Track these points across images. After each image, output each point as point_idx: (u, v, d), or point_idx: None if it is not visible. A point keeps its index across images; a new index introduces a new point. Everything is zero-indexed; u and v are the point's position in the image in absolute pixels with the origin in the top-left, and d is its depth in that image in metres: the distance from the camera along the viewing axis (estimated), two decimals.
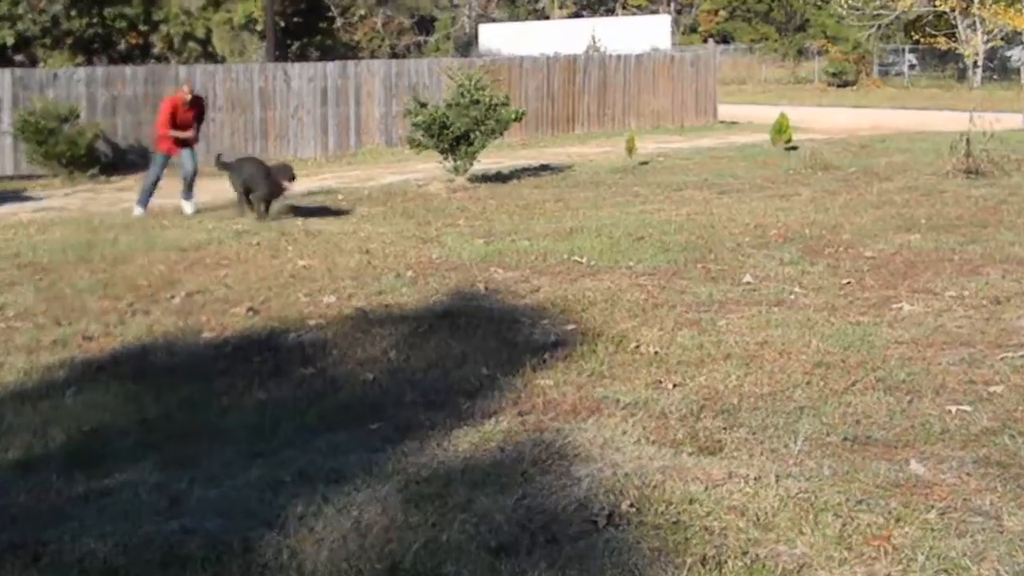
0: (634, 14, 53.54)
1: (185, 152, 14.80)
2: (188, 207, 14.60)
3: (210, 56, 31.01)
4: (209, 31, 31.34)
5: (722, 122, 29.38)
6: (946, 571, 3.93)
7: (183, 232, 12.42)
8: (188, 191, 14.68)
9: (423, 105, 17.03)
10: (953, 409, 5.61)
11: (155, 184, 14.71)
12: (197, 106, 15.25)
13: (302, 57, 31.85)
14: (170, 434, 5.63)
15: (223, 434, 5.61)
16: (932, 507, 4.41)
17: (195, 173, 14.75)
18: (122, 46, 31.24)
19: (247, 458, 5.20)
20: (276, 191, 13.68)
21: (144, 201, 14.66)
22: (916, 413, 5.59)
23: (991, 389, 5.94)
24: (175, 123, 14.67)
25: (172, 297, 8.86)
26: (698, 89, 29.73)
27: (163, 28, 31.05)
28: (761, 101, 39.78)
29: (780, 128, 21.05)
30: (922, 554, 4.02)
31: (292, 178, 13.69)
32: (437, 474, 4.85)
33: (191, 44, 31.28)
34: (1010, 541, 4.13)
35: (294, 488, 4.73)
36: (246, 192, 13.82)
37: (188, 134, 14.79)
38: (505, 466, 4.91)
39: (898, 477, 4.76)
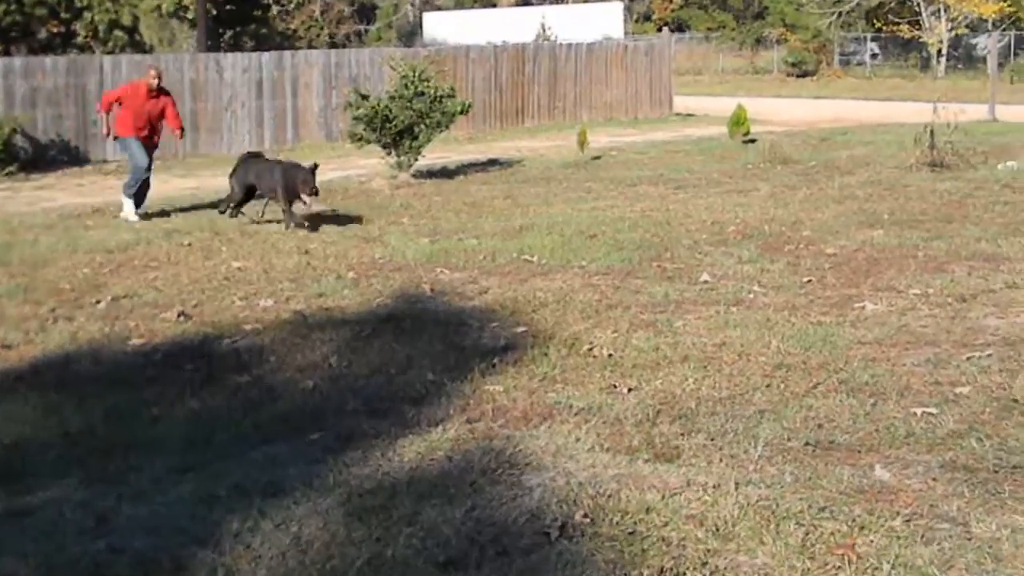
0: (586, 2, 53.67)
1: (139, 148, 13.53)
2: (129, 208, 13.54)
3: (137, 46, 30.73)
4: (136, 19, 31.05)
5: (678, 114, 29.51)
6: None
7: (109, 232, 12.31)
8: (133, 191, 13.58)
9: (364, 97, 16.97)
10: (918, 412, 5.67)
11: (148, 170, 13.59)
12: (166, 98, 13.79)
13: (235, 47, 31.63)
14: (96, 448, 5.57)
15: (153, 447, 5.56)
16: (897, 514, 4.46)
17: (148, 170, 13.60)
18: (42, 35, 30.87)
19: (178, 472, 5.16)
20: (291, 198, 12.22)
21: (134, 200, 13.58)
22: (880, 416, 5.65)
23: (957, 390, 6.01)
24: (133, 115, 13.43)
25: (97, 302, 8.76)
26: (652, 80, 29.85)
27: (87, 16, 30.72)
28: (718, 92, 40.02)
29: (738, 120, 21.20)
30: (887, 563, 4.06)
31: (313, 190, 12.05)
32: (381, 486, 4.84)
33: (117, 33, 30.96)
34: (978, 548, 4.18)
35: (229, 503, 4.70)
36: (246, 195, 12.67)
37: (143, 132, 13.48)
38: (453, 476, 4.91)
39: (862, 483, 4.80)
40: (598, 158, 18.96)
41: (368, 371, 6.65)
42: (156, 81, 13.63)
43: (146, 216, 13.56)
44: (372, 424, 5.66)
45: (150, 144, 13.80)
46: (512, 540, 4.28)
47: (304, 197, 12.02)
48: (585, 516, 4.46)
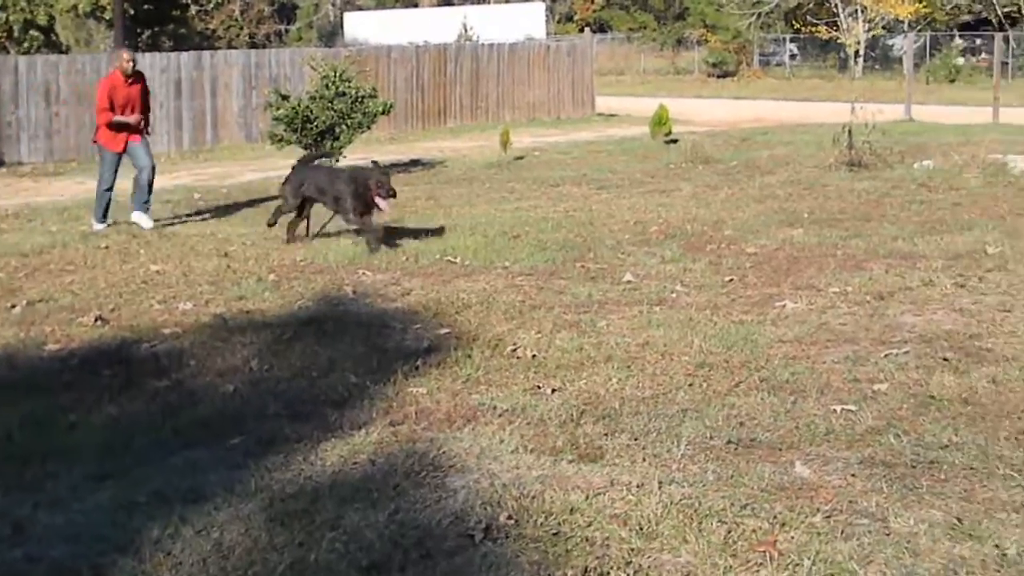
0: (508, 2, 53.77)
1: (137, 146, 12.61)
2: (144, 219, 12.57)
3: (53, 46, 30.29)
4: (52, 19, 30.61)
5: (600, 114, 29.68)
6: (832, 575, 4.03)
7: (24, 235, 12.10)
8: (144, 197, 12.66)
9: (285, 98, 16.87)
10: (838, 409, 5.75)
11: (109, 189, 12.61)
12: (141, 81, 12.89)
13: (153, 47, 31.28)
14: (11, 455, 5.46)
15: (70, 454, 5.47)
16: (818, 510, 4.52)
17: (153, 171, 12.69)
18: None
19: (97, 479, 5.08)
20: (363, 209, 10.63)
21: (100, 214, 12.65)
22: (800, 414, 5.72)
23: (875, 387, 6.11)
24: (115, 105, 12.53)
25: (12, 307, 8.61)
26: (575, 80, 29.99)
27: (1, 16, 30.18)
28: (640, 92, 40.29)
29: (660, 120, 21.36)
30: (808, 559, 4.11)
31: (390, 192, 10.55)
32: (304, 490, 4.81)
33: (32, 33, 30.50)
34: (897, 543, 4.24)
35: (149, 510, 4.64)
36: (300, 209, 11.21)
37: (135, 117, 12.54)
38: (376, 480, 4.89)
39: (783, 480, 4.86)
40: (521, 158, 19.00)
41: (290, 374, 6.61)
42: (131, 65, 12.62)
43: (161, 222, 12.73)
44: (294, 428, 5.61)
45: (140, 134, 12.72)
46: (436, 543, 4.27)
47: (380, 203, 10.52)
48: (509, 518, 4.46)
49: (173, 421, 5.87)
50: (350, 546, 4.25)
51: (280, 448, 5.33)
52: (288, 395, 6.21)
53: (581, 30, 47.48)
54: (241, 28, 48.00)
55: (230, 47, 36.66)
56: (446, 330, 7.44)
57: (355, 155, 18.36)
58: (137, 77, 12.76)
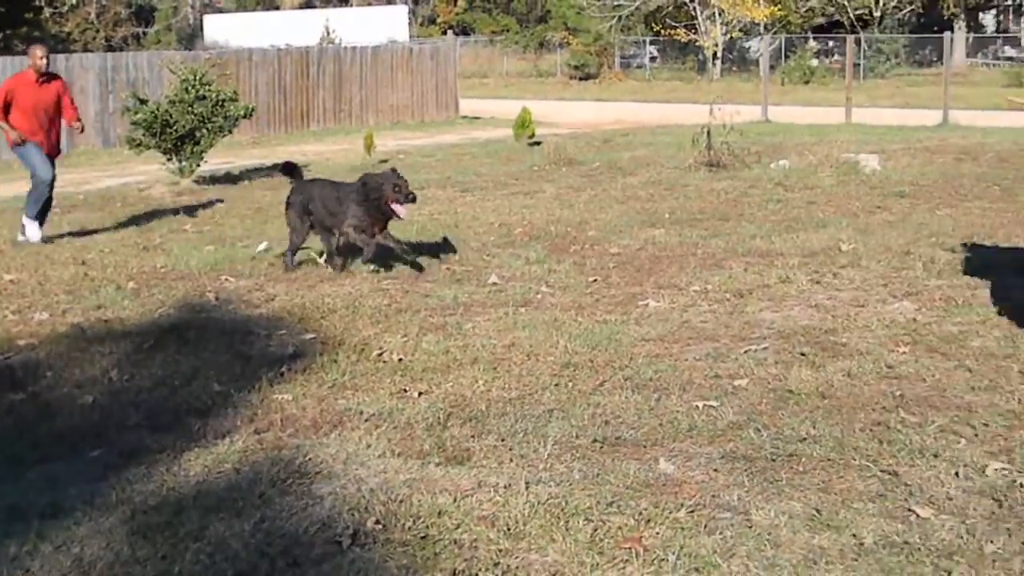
0: (370, 4, 53.52)
1: (36, 154, 11.60)
2: (33, 230, 11.66)
3: None
4: None
5: (464, 117, 29.72)
6: (697, 570, 4.10)
7: None
8: (36, 210, 11.67)
9: (143, 102, 16.55)
10: (700, 405, 5.86)
11: (45, 192, 11.59)
12: (56, 83, 11.86)
13: (5, 50, 30.35)
14: None
15: None
16: (682, 505, 4.59)
17: (51, 185, 11.62)
18: None
19: None
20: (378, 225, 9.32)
21: (32, 216, 11.66)
22: (664, 411, 5.81)
23: (736, 383, 6.23)
24: (25, 114, 11.53)
25: None
26: (438, 83, 29.99)
27: None
28: (503, 95, 40.46)
29: (523, 123, 21.47)
30: (673, 554, 4.17)
31: (409, 196, 9.27)
32: (167, 502, 4.72)
33: None
34: (758, 535, 4.34)
35: (5, 526, 4.51)
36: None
37: (39, 136, 11.50)
38: (241, 489, 4.83)
39: (648, 476, 4.93)
40: (385, 161, 18.91)
41: (151, 384, 6.48)
42: (45, 62, 11.63)
43: (49, 240, 11.69)
44: (156, 439, 5.51)
45: (51, 147, 11.79)
46: (303, 550, 4.24)
47: (399, 210, 9.20)
48: (377, 523, 4.45)
49: (30, 435, 5.71)
50: (215, 557, 4.19)
51: (142, 460, 5.23)
52: (149, 405, 6.09)
53: (444, 33, 47.55)
54: (97, 31, 46.95)
55: (86, 50, 35.82)
56: (311, 335, 7.37)
57: (216, 159, 18.13)
58: (51, 77, 11.85)
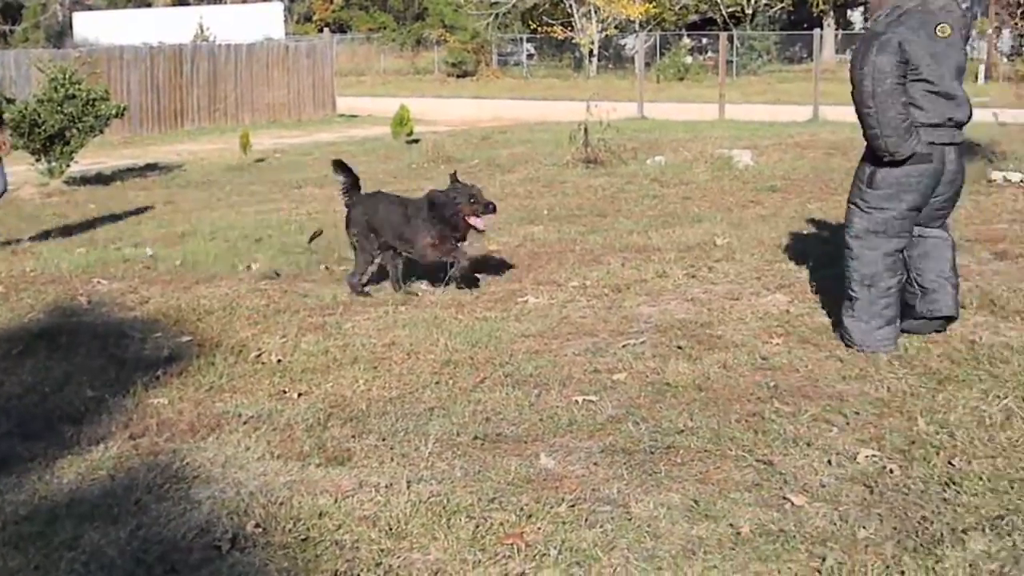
0: (245, 2, 52.83)
1: None
2: None
3: None
4: None
5: (342, 115, 29.54)
6: (578, 563, 4.13)
7: None
8: None
9: (10, 101, 16.12)
10: (579, 399, 5.90)
11: None
12: None
13: None
14: None
15: None
16: (562, 500, 4.62)
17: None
18: None
19: None
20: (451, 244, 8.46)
21: None
22: (544, 406, 5.84)
23: (615, 377, 6.29)
24: None
25: None
26: (315, 81, 29.77)
27: None
28: (381, 93, 40.29)
29: (401, 120, 21.41)
30: (554, 548, 4.20)
31: (488, 207, 8.47)
32: (39, 511, 4.61)
33: None
34: (638, 528, 4.39)
35: None
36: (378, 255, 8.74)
37: None
38: (117, 495, 4.73)
39: (529, 472, 4.95)
40: (262, 160, 18.72)
41: (21, 391, 6.31)
42: None
43: None
44: (26, 447, 5.37)
45: None
46: (181, 556, 4.17)
47: (477, 222, 8.37)
48: (257, 526, 4.40)
49: None
50: (90, 566, 4.10)
51: (12, 468, 5.09)
52: (20, 412, 5.93)
53: (320, 30, 47.14)
54: None
55: None
56: (187, 338, 7.26)
57: (87, 160, 17.74)
58: None
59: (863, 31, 54.73)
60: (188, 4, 56.27)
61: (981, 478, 4.73)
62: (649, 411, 5.72)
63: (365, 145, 21.10)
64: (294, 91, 29.16)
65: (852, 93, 6.58)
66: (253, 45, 29.79)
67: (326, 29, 41.51)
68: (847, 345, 6.74)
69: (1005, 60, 39.85)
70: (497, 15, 51.26)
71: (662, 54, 48.74)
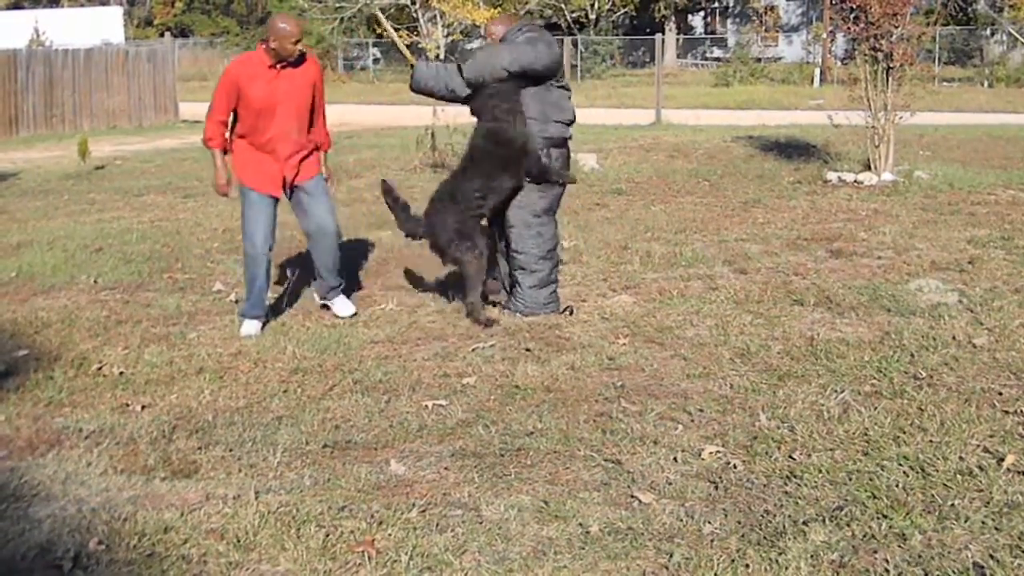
0: (82, 6, 51.50)
1: None
2: None
3: None
4: None
5: (185, 121, 28.96)
6: (429, 568, 4.12)
7: None
8: None
9: None
10: (429, 404, 5.90)
11: None
12: None
13: None
14: None
15: None
16: (413, 505, 4.61)
17: None
18: None
19: None
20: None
21: None
22: (394, 412, 5.82)
23: (464, 381, 6.30)
24: None
25: None
26: (157, 86, 29.14)
27: None
28: None
29: None
30: (406, 554, 4.19)
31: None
32: None
33: None
34: (489, 531, 4.40)
35: None
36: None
37: None
38: None
39: (379, 479, 4.93)
40: (102, 168, 18.25)
41: None
42: None
43: None
44: None
45: None
46: None
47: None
48: (100, 543, 4.28)
49: None
50: None
51: None
52: None
53: (161, 35, 46.15)
54: None
55: None
56: (24, 352, 7.03)
57: None
58: None
59: (702, 36, 56.01)
60: (23, 7, 54.59)
61: (821, 470, 4.87)
62: (499, 414, 5.75)
63: (208, 152, 20.69)
64: (135, 96, 28.50)
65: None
66: (91, 50, 29.02)
67: (167, 33, 40.66)
68: (523, 315, 7.57)
69: (839, 64, 41.11)
70: (342, 19, 50.88)
71: None
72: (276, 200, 7.60)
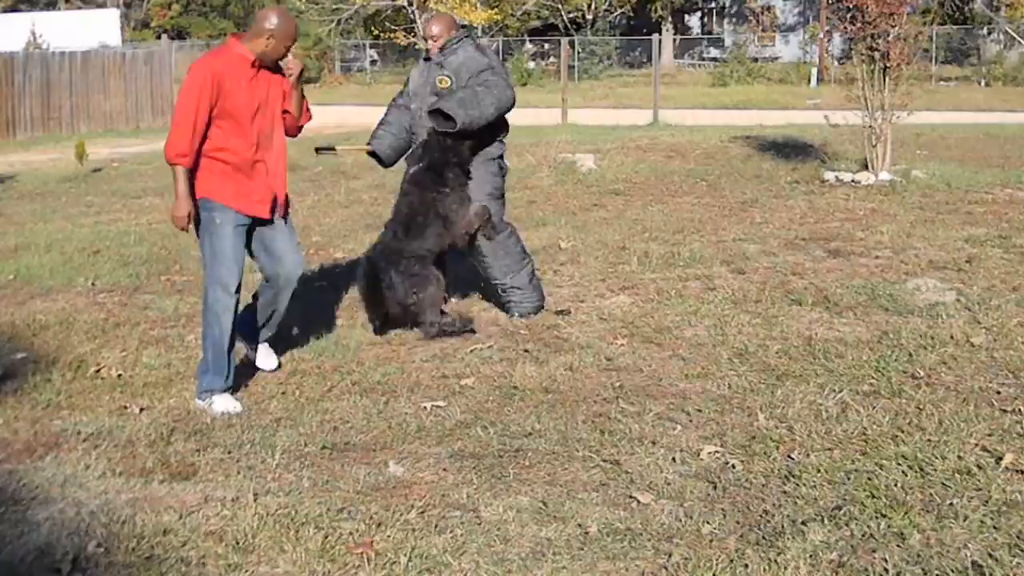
0: (80, 8, 51.51)
1: None
2: None
3: None
4: None
5: None
6: (428, 570, 4.12)
7: None
8: None
9: None
10: (428, 406, 5.90)
11: None
12: None
13: None
14: None
15: None
16: (412, 507, 4.61)
17: None
18: None
19: None
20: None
21: None
22: (393, 413, 5.82)
23: (463, 382, 6.30)
24: None
25: None
26: (154, 89, 29.13)
27: None
28: None
29: None
30: (404, 556, 4.19)
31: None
32: None
33: None
34: (488, 531, 4.40)
35: None
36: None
37: None
38: None
39: (378, 480, 4.93)
40: (99, 170, 18.24)
41: None
42: None
43: None
44: None
45: None
46: None
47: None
48: (99, 545, 4.28)
49: None
50: None
51: None
52: None
53: (158, 37, 46.14)
54: None
55: None
56: (22, 355, 7.02)
57: None
58: None
59: (699, 36, 56.03)
60: (20, 10, 54.56)
61: (819, 470, 4.87)
62: (497, 415, 5.75)
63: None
64: (132, 99, 28.49)
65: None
66: (88, 52, 29.02)
67: (164, 36, 40.68)
68: (533, 314, 7.61)
69: (836, 63, 41.12)
70: (339, 21, 50.90)
71: (505, 60, 48.98)
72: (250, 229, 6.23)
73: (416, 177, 7.51)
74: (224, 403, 5.98)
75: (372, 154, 8.10)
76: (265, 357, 6.68)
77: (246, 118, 6.10)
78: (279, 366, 6.69)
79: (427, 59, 7.97)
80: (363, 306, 7.58)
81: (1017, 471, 4.78)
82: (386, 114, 8.16)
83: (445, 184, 7.36)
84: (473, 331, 7.31)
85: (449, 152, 7.37)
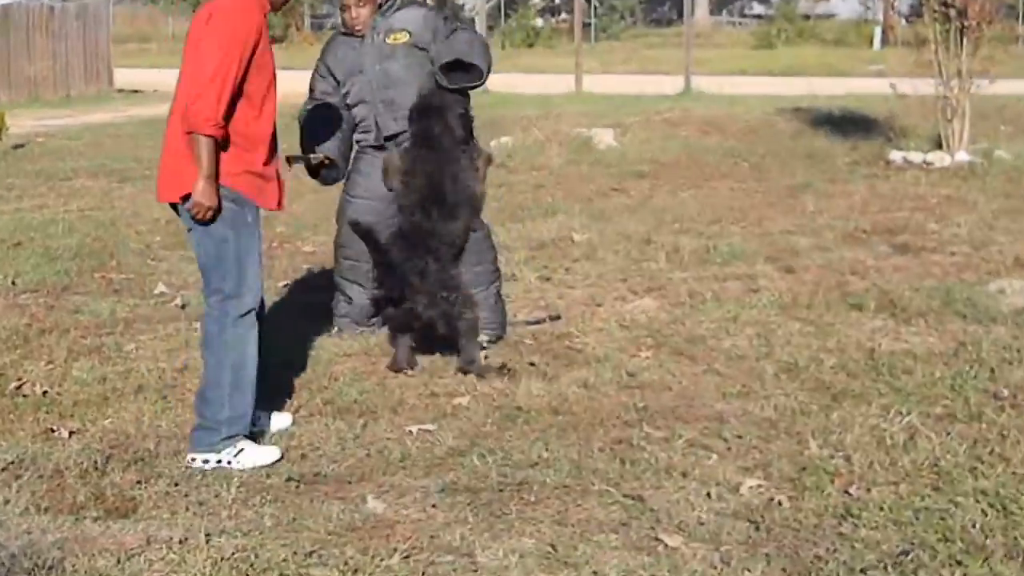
0: None
1: None
2: None
3: None
4: None
5: (120, 90, 29.09)
6: None
7: None
8: None
9: None
10: (414, 429, 5.91)
11: None
12: None
13: None
14: None
15: None
16: (395, 550, 4.61)
17: None
18: None
19: None
20: None
21: None
22: (372, 438, 5.83)
23: (456, 402, 6.31)
24: None
25: None
26: (87, 49, 29.23)
27: None
28: (170, 64, 39.52)
29: None
30: None
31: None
32: None
33: None
34: None
35: None
36: None
37: None
38: None
39: (354, 519, 4.93)
40: (21, 147, 18.27)
41: None
42: None
43: None
44: None
45: None
46: None
47: None
48: None
49: None
50: None
51: None
52: None
53: None
54: None
55: None
56: None
57: None
58: None
59: None
60: None
61: (882, 508, 4.88)
62: (497, 441, 5.75)
63: (151, 127, 20.65)
64: (61, 62, 28.56)
65: None
66: (9, 6, 29.08)
67: None
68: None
69: (904, 22, 41.14)
70: None
71: (507, 16, 49.02)
72: None
73: (429, 141, 7.15)
74: (256, 453, 5.59)
75: (326, 166, 7.79)
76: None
77: (271, 83, 6.00)
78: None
79: (347, 33, 7.84)
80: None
81: None
82: (310, 118, 7.99)
83: (466, 154, 7.13)
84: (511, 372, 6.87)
85: (462, 111, 7.20)
